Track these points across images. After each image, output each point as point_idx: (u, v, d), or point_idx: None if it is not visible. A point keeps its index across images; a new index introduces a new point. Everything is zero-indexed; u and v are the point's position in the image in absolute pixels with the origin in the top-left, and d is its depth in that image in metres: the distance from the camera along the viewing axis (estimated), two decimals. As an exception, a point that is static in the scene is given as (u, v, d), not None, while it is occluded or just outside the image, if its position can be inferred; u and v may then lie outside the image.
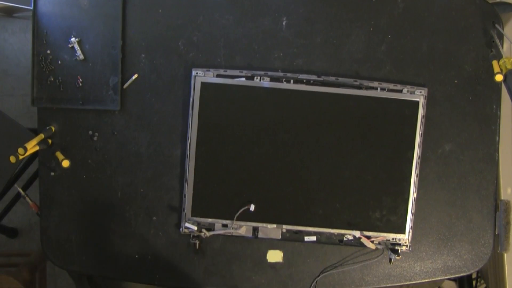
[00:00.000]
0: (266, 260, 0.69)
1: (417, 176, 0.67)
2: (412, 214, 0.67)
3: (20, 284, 0.97)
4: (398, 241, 0.67)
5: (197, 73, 0.68)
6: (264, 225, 0.66)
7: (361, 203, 0.66)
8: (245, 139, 0.66)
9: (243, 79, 0.67)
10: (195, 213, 0.67)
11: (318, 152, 0.66)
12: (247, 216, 0.66)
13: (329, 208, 0.67)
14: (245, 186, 0.66)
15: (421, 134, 0.67)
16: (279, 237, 0.68)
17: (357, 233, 0.66)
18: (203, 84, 0.66)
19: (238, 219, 0.66)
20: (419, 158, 0.67)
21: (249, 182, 0.66)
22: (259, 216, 0.66)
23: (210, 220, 0.67)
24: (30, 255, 1.12)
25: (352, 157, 0.67)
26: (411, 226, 0.68)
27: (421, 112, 0.67)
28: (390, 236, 0.67)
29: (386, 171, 0.66)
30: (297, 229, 0.67)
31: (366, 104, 0.66)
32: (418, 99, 0.67)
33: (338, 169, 0.66)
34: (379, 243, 0.67)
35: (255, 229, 0.68)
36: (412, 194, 0.67)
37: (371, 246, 0.65)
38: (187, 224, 0.67)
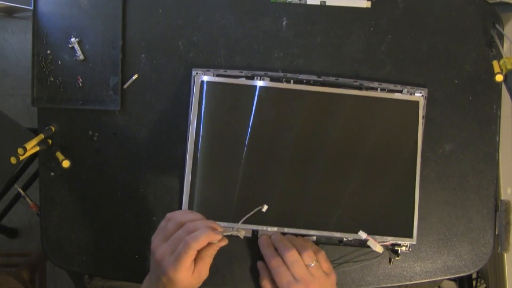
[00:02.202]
0: (266, 260, 0.69)
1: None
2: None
3: (20, 284, 0.98)
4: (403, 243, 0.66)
5: (197, 73, 0.68)
6: (265, 227, 0.65)
7: (364, 206, 0.65)
8: (246, 140, 0.66)
9: (243, 79, 0.67)
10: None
11: (320, 154, 0.65)
12: (247, 219, 0.64)
13: (332, 211, 0.65)
14: (245, 188, 0.66)
15: (421, 134, 0.67)
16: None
17: (363, 235, 0.63)
18: (203, 84, 0.66)
19: (237, 221, 0.64)
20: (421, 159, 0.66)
21: (249, 183, 0.65)
22: (259, 218, 0.65)
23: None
24: (30, 255, 1.12)
25: (355, 159, 0.65)
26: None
27: (421, 112, 0.66)
28: (398, 240, 0.65)
29: (390, 172, 0.66)
30: (299, 233, 0.66)
31: (366, 105, 0.66)
32: (418, 100, 0.66)
33: (341, 171, 0.65)
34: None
35: (254, 231, 0.67)
36: (418, 196, 0.66)
37: (379, 249, 0.63)
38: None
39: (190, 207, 0.66)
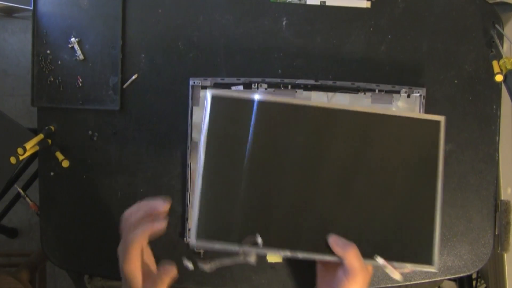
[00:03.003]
0: (266, 260, 0.69)
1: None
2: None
3: (20, 284, 0.97)
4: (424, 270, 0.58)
5: (194, 82, 0.67)
6: (271, 250, 0.57)
7: (380, 229, 0.57)
8: (250, 155, 0.57)
9: (241, 87, 0.67)
10: (200, 236, 0.57)
11: (330, 174, 0.58)
12: (254, 241, 0.56)
13: (345, 234, 0.57)
14: (252, 208, 0.57)
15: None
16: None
17: (380, 260, 0.56)
18: (205, 99, 0.57)
19: (240, 242, 0.56)
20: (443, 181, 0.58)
21: (256, 204, 0.57)
22: (266, 241, 0.56)
23: (216, 245, 0.56)
24: (30, 255, 1.12)
25: (369, 179, 0.58)
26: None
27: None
28: (417, 267, 0.57)
29: (407, 194, 0.58)
30: (310, 257, 0.57)
31: (383, 123, 0.58)
32: (439, 119, 0.59)
33: (355, 191, 0.58)
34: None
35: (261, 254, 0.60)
36: (439, 219, 0.57)
37: (397, 276, 0.56)
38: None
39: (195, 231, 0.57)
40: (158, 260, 0.63)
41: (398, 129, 0.58)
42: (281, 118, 0.58)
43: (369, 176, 0.58)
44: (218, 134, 0.58)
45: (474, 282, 0.91)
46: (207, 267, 0.57)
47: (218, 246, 0.56)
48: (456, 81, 0.70)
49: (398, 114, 0.58)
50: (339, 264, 0.56)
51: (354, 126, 0.58)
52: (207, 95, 0.57)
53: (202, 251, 0.68)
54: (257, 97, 0.57)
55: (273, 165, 0.58)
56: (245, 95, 0.58)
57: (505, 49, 0.69)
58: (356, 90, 0.67)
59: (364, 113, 0.58)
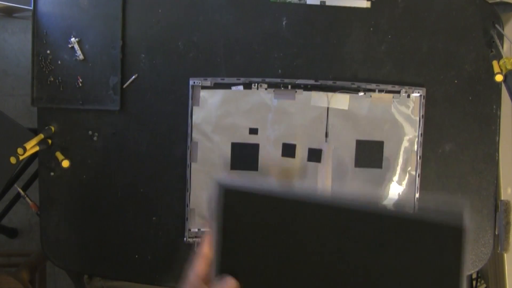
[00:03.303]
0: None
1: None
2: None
3: (20, 284, 0.97)
4: None
5: (194, 82, 0.67)
6: None
7: None
8: (266, 249, 0.46)
9: (241, 87, 0.67)
10: None
11: (341, 274, 0.49)
12: None
13: None
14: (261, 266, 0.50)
15: (421, 134, 0.67)
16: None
17: None
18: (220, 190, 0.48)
19: None
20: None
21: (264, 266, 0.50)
22: None
23: None
24: (30, 255, 1.12)
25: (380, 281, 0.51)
26: None
27: (420, 112, 0.58)
28: None
29: None
30: None
31: (399, 229, 0.49)
32: (461, 224, 0.43)
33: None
34: None
35: None
36: None
37: None
38: None
39: None
40: (158, 259, 0.63)
41: (415, 233, 0.46)
42: (294, 215, 0.46)
43: (378, 278, 0.49)
44: (231, 227, 0.47)
45: (474, 282, 0.91)
46: None
47: None
48: (456, 81, 0.70)
49: (414, 218, 0.42)
50: None
51: (371, 230, 0.45)
52: (216, 188, 0.45)
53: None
54: (273, 190, 0.44)
55: (289, 263, 0.48)
56: (262, 188, 0.44)
57: (505, 49, 0.69)
58: (356, 90, 0.68)
59: (381, 216, 0.41)
